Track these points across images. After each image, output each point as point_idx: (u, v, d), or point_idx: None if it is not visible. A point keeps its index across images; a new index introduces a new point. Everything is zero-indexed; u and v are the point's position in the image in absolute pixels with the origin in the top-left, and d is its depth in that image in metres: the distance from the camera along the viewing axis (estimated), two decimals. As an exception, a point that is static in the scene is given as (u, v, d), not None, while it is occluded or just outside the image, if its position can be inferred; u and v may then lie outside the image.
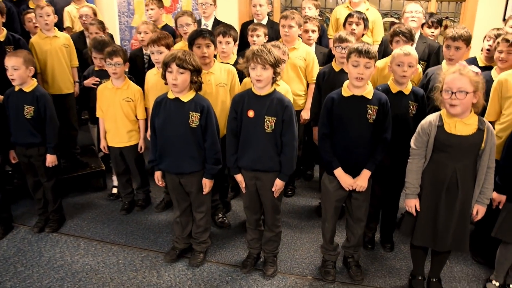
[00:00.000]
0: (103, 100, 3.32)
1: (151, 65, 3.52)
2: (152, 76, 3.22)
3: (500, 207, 2.51)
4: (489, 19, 4.47)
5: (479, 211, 2.38)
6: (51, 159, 3.13)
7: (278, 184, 2.63)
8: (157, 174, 2.85)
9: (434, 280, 2.67)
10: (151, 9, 4.25)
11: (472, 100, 2.25)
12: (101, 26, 4.04)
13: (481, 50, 3.26)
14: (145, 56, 3.87)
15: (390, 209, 3.07)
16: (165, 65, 2.59)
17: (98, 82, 3.59)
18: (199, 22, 4.14)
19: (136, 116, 3.36)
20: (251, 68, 2.45)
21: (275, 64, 2.45)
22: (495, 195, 2.47)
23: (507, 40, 2.77)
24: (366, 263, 2.97)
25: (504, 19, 4.40)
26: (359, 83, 2.46)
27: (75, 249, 3.11)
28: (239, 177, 2.70)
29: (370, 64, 2.43)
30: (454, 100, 2.21)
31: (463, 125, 2.28)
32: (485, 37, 3.20)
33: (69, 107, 4.07)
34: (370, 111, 2.49)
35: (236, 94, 2.68)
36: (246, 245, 3.01)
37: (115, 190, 3.86)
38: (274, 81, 2.52)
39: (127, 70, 3.31)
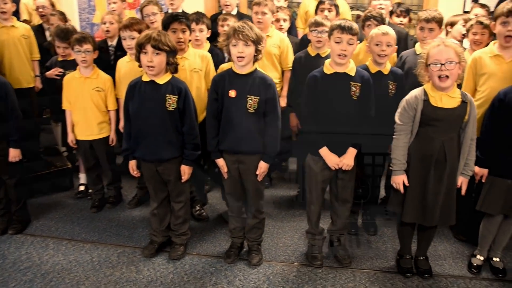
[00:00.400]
0: (71, 91, 3.13)
1: (118, 57, 3.38)
2: (125, 64, 3.07)
3: (483, 180, 2.54)
4: (450, 10, 4.60)
5: (463, 183, 2.40)
6: (14, 154, 2.90)
7: (262, 166, 2.55)
8: (132, 164, 2.70)
9: (421, 258, 2.65)
10: (114, 2, 4.09)
11: (458, 71, 2.27)
12: (63, 17, 3.86)
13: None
14: (110, 48, 3.70)
15: (372, 192, 3.06)
16: (139, 47, 2.47)
17: (61, 73, 3.38)
18: (166, 14, 4.02)
19: (106, 107, 3.19)
20: (232, 45, 2.38)
21: (257, 41, 2.38)
22: (477, 169, 2.50)
23: (481, 23, 2.87)
24: (351, 247, 2.93)
25: (464, 11, 4.56)
26: (342, 60, 2.43)
27: (43, 250, 2.88)
28: (220, 162, 2.59)
29: (352, 41, 2.41)
30: (445, 71, 2.22)
31: (448, 98, 2.29)
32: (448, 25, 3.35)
33: (29, 102, 3.81)
34: (353, 88, 2.46)
35: (216, 74, 2.59)
36: (228, 234, 2.89)
37: (82, 188, 3.65)
38: (255, 59, 2.46)
39: (96, 58, 3.14)
